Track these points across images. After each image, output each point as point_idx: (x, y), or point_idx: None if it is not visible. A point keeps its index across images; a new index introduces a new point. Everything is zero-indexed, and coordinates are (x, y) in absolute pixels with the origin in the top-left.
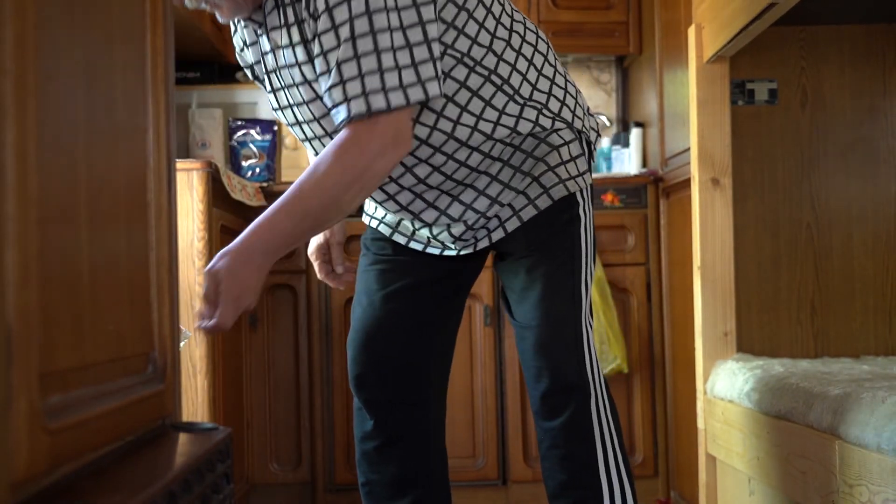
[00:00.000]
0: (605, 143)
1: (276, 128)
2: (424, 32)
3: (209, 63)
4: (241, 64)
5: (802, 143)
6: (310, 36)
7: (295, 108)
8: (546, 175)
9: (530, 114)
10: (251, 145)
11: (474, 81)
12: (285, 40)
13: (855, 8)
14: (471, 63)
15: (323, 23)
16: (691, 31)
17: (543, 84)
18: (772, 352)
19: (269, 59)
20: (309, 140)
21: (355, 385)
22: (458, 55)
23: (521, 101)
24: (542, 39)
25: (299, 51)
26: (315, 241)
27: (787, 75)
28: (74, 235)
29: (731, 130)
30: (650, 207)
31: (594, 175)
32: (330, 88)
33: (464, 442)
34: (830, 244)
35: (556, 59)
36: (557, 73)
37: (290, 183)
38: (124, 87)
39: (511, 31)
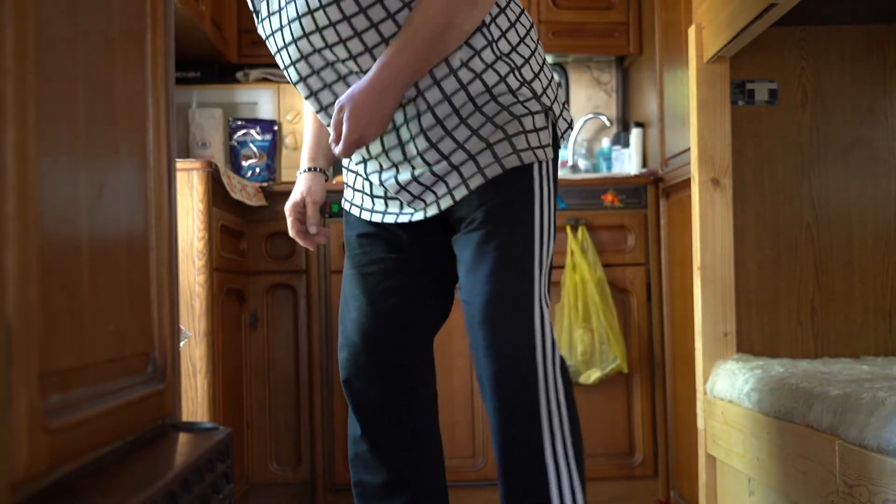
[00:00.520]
0: (605, 143)
1: (276, 128)
2: None
3: (209, 63)
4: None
5: (802, 143)
6: None
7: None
8: (501, 144)
9: (502, 68)
10: (251, 145)
11: None
12: None
13: (855, 8)
14: None
15: None
16: (691, 32)
17: (523, 50)
18: (772, 352)
19: None
20: (314, 94)
21: (344, 388)
22: None
23: (497, 54)
24: (527, 17)
25: None
26: (292, 198)
27: (787, 75)
28: (74, 235)
29: (731, 130)
30: (650, 208)
31: (594, 175)
32: None
33: (464, 442)
34: (830, 244)
35: (537, 40)
36: (538, 51)
37: (291, 183)
38: (124, 87)
39: None
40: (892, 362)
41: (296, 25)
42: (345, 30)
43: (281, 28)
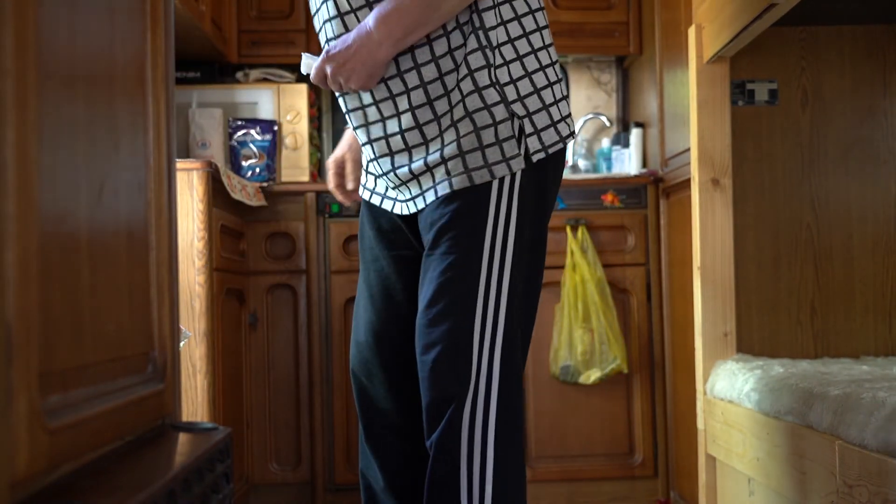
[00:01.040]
0: (605, 143)
1: (276, 128)
2: None
3: (209, 63)
4: None
5: (802, 143)
6: None
7: None
8: (453, 161)
9: (477, 60)
10: (251, 145)
11: None
12: None
13: (855, 8)
14: None
15: None
16: (691, 32)
17: (507, 50)
18: (772, 352)
19: None
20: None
21: (351, 377)
22: None
23: (482, 44)
24: (534, 19)
25: None
26: (335, 153)
27: (787, 75)
28: (74, 235)
29: (731, 131)
30: (650, 208)
31: (594, 175)
32: None
33: None
34: (830, 244)
35: (540, 46)
36: (534, 57)
37: (290, 183)
38: (124, 87)
39: None
40: (892, 362)
41: None
42: None
43: None
